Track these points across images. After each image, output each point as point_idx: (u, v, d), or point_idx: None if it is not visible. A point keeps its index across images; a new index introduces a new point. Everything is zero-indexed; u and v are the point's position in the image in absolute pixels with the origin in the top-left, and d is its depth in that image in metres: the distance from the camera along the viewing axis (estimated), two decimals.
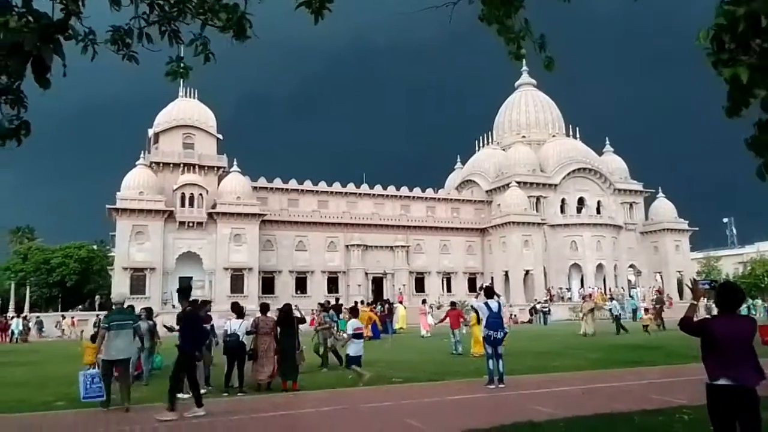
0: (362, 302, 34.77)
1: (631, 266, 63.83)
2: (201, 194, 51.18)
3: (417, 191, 64.54)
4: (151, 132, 55.01)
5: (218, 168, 54.14)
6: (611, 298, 36.67)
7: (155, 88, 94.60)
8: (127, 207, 48.91)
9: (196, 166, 52.90)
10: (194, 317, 8.85)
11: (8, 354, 21.94)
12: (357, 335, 11.26)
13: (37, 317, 42.20)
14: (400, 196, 63.65)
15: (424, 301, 33.24)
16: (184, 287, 9.27)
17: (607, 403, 8.31)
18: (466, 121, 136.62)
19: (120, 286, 47.07)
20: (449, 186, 73.09)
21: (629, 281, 60.47)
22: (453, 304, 20.78)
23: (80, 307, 50.94)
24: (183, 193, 50.88)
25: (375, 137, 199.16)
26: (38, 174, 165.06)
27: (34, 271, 60.11)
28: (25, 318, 38.79)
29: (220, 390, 10.29)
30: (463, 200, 67.04)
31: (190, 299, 9.09)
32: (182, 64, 4.84)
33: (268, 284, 54.28)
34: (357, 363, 11.03)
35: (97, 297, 57.07)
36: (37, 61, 3.46)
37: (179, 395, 9.71)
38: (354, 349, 11.08)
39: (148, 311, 12.88)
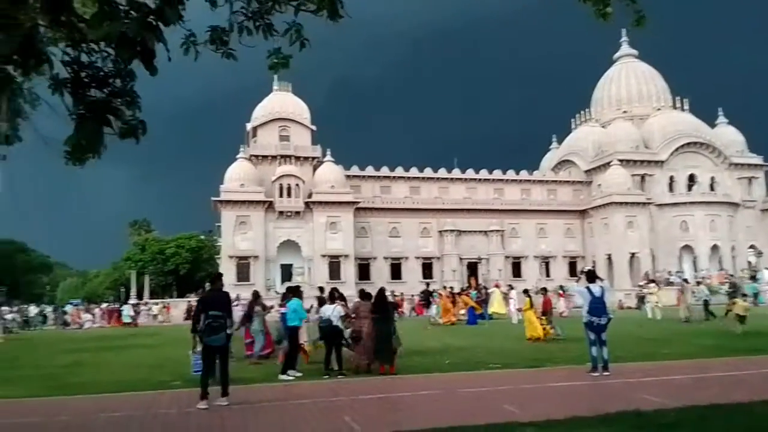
0: (445, 288, 34.67)
1: (751, 247, 58.61)
2: (297, 184, 53.04)
3: (511, 174, 63.01)
4: (249, 126, 57.62)
5: (313, 158, 55.80)
6: (698, 283, 34.28)
7: (251, 82, 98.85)
8: (230, 199, 51.71)
9: (293, 158, 54.84)
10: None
11: (129, 338, 23.94)
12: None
13: (145, 303, 45.51)
14: (494, 180, 62.44)
15: (468, 286, 32.50)
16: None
17: (723, 392, 7.72)
18: (561, 100, 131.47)
19: (227, 274, 50.00)
20: (545, 167, 70.72)
21: (749, 263, 55.60)
22: (544, 290, 20.20)
23: (193, 294, 54.67)
24: (281, 184, 52.99)
25: (466, 120, 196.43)
26: (150, 169, 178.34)
27: (151, 260, 65.18)
28: (135, 305, 42.10)
29: (321, 373, 10.64)
30: (560, 181, 64.64)
31: (292, 286, 9.43)
32: (281, 55, 4.99)
33: (364, 270, 55.41)
34: None
35: (207, 285, 60.97)
36: (143, 49, 3.72)
37: (283, 377, 10.22)
38: None
39: (255, 294, 13.76)
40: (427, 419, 6.67)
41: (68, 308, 44.42)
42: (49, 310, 47.14)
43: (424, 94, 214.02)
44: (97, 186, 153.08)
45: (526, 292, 18.91)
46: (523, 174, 63.62)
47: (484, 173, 62.55)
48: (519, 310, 22.28)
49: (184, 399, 8.39)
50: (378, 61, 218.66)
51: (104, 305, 45.85)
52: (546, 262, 60.64)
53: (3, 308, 37.34)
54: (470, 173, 62.28)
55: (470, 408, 7.45)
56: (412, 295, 38.40)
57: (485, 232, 58.89)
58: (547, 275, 58.26)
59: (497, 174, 62.71)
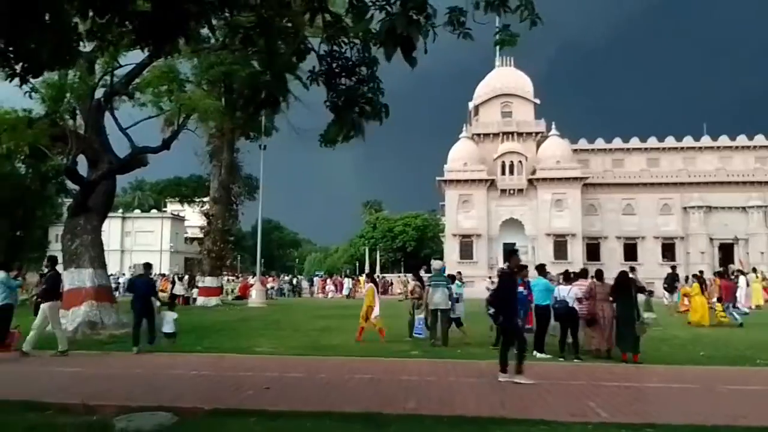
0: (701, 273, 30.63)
1: None
2: (520, 161, 51.97)
3: None
4: (471, 105, 58.03)
5: (536, 133, 54.06)
6: None
7: (474, 59, 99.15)
8: (454, 178, 52.86)
9: (515, 134, 53.82)
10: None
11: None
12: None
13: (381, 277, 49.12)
14: (754, 147, 53.41)
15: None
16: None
17: None
18: None
19: (451, 252, 51.51)
20: None
21: None
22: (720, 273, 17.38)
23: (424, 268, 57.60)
24: (503, 162, 52.47)
25: (714, 81, 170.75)
26: (373, 150, 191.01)
27: (382, 238, 70.29)
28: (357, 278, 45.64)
29: (556, 355, 10.29)
30: None
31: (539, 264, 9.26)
32: (509, 32, 4.86)
33: (592, 251, 52.22)
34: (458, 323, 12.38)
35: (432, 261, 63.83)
36: (405, 42, 3.90)
37: (538, 354, 10.15)
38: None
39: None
40: (686, 415, 5.98)
41: (314, 280, 50.30)
42: (302, 279, 53.87)
43: (662, 54, 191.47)
44: (330, 168, 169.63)
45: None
46: None
47: (741, 140, 53.81)
48: None
49: (422, 368, 8.84)
50: (607, 21, 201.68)
51: (334, 277, 50.70)
52: None
53: (268, 277, 43.78)
54: (723, 140, 54.11)
55: (737, 407, 6.48)
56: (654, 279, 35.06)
57: (743, 208, 50.83)
58: None
59: (759, 140, 53.43)
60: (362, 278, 34.30)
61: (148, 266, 12.26)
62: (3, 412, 6.12)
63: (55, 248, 46.63)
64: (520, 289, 11.14)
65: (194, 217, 59.10)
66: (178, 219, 69.72)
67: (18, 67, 5.16)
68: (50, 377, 8.32)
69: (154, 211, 70.85)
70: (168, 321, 11.79)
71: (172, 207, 74.56)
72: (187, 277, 32.95)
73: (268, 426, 5.54)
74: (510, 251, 9.66)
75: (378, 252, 62.34)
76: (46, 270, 14.16)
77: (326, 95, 6.07)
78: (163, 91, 16.33)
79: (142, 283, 11.35)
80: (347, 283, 42.09)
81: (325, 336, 13.87)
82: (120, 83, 15.21)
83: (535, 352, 10.30)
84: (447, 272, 13.76)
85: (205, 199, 37.70)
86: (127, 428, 5.40)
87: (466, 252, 51.87)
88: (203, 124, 21.78)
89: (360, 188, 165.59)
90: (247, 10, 5.32)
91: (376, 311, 12.44)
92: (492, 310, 9.39)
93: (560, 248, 50.72)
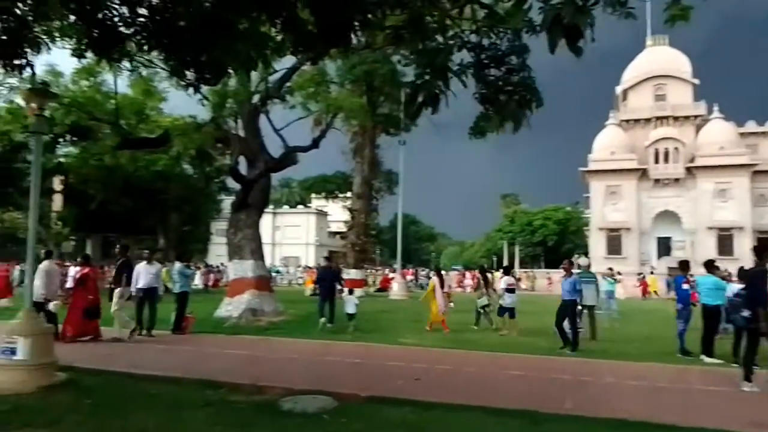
0: None
1: None
2: (676, 148, 47.66)
3: None
4: (618, 89, 54.30)
5: (695, 117, 49.23)
6: None
7: (621, 40, 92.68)
8: (600, 168, 49.86)
9: (670, 119, 49.47)
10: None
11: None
12: (510, 290, 13.07)
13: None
14: None
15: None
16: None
17: None
18: None
19: (596, 247, 48.72)
20: None
21: None
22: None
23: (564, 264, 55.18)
24: (656, 149, 48.48)
25: None
26: (512, 140, 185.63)
27: (520, 232, 68.34)
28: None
29: (729, 360, 9.30)
30: None
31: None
32: (680, 6, 4.45)
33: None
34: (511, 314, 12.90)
35: (575, 256, 60.87)
36: (571, 31, 3.74)
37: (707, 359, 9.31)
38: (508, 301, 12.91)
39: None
40: None
41: (452, 273, 50.38)
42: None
43: None
44: (464, 161, 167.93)
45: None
46: None
47: None
48: None
49: (575, 367, 8.47)
50: None
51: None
52: None
53: (407, 270, 44.66)
54: None
55: None
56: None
57: None
58: None
59: None
60: (497, 273, 33.73)
61: (329, 258, 15.85)
62: (184, 389, 6.87)
63: (216, 242, 51.66)
64: (685, 286, 10.31)
65: (337, 212, 62.00)
66: (322, 214, 73.52)
67: (192, 77, 5.76)
68: (222, 359, 9.19)
69: (300, 207, 75.39)
70: (350, 303, 13.21)
71: (317, 203, 78.80)
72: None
73: (423, 416, 5.63)
74: (761, 246, 8.19)
75: (516, 246, 60.74)
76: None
77: (475, 87, 6.02)
78: (311, 93, 17.31)
79: (328, 272, 14.55)
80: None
81: (465, 331, 13.82)
82: (273, 87, 16.35)
83: (702, 356, 9.44)
84: (594, 269, 13.76)
85: (347, 195, 39.32)
86: (294, 409, 5.80)
87: (613, 247, 48.75)
88: (347, 122, 22.70)
89: (495, 181, 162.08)
90: (398, 9, 5.42)
91: (440, 305, 13.38)
92: (746, 313, 7.71)
93: (725, 243, 45.72)
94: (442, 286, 13.94)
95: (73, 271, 14.54)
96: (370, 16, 4.64)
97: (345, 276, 29.83)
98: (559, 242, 66.67)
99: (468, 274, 46.52)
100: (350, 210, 31.68)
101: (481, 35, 5.64)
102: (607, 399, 6.57)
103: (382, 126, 27.91)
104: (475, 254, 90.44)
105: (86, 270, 11.51)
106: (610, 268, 15.07)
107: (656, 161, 48.36)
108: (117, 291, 11.18)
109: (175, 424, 5.29)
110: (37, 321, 7.27)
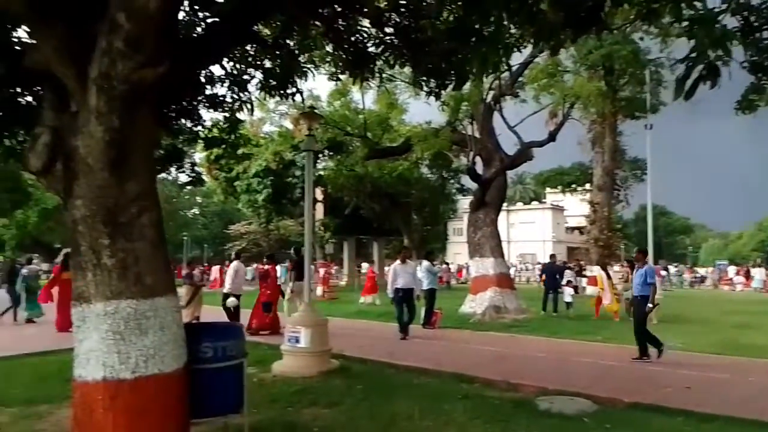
0: None
1: None
2: None
3: None
4: None
5: None
6: None
7: None
8: None
9: None
10: None
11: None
12: None
13: None
14: None
15: None
16: None
17: None
18: None
19: None
20: None
21: None
22: None
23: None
24: None
25: None
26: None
27: None
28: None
29: None
30: None
31: None
32: None
33: None
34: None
35: None
36: None
37: None
38: None
39: None
40: None
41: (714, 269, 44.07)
42: (703, 271, 47.57)
43: None
44: (721, 142, 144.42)
45: None
46: None
47: None
48: None
49: None
50: None
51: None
52: None
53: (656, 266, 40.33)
54: None
55: None
56: None
57: None
58: None
59: None
60: None
61: (553, 256, 18.89)
62: (442, 382, 7.23)
63: (454, 240, 53.34)
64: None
65: (573, 206, 59.09)
66: (557, 209, 70.63)
67: (433, 84, 6.05)
68: (471, 354, 9.46)
69: (534, 203, 73.52)
70: (567, 294, 15.83)
71: (552, 197, 76.01)
72: (572, 265, 33.11)
73: (701, 429, 5.05)
74: None
75: None
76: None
77: (744, 55, 5.20)
78: (545, 84, 16.80)
79: (553, 267, 16.74)
80: (759, 273, 35.34)
81: (746, 334, 11.97)
82: (506, 84, 16.29)
83: None
84: None
85: (587, 187, 37.21)
86: (551, 409, 5.69)
87: None
88: (585, 111, 21.51)
89: (762, 163, 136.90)
90: None
91: (606, 298, 14.28)
92: None
93: None
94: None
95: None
96: None
97: (587, 273, 28.26)
98: None
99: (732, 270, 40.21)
100: (591, 203, 29.85)
101: None
102: None
103: (623, 111, 25.77)
104: (744, 247, 77.75)
105: (268, 267, 12.87)
106: None
107: None
108: (289, 286, 12.33)
109: (438, 415, 5.59)
110: (315, 313, 8.36)
